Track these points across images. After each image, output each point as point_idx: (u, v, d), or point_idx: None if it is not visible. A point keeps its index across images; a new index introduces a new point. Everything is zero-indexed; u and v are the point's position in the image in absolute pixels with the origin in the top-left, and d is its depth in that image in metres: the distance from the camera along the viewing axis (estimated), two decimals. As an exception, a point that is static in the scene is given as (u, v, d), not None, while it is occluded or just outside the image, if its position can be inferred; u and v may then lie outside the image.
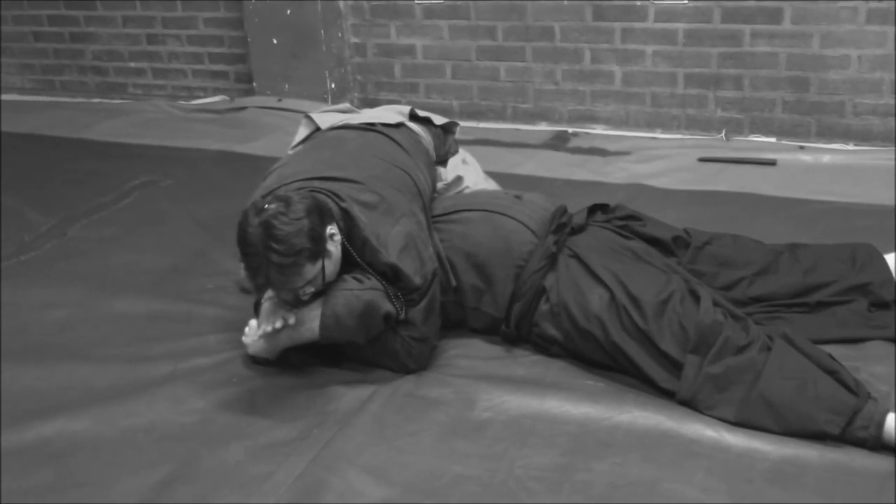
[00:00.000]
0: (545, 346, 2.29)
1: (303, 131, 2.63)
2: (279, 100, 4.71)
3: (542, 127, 4.35)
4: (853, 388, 1.90)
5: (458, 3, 4.31)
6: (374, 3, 4.50)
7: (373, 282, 2.16)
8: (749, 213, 3.13)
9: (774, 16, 3.77)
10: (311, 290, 2.11)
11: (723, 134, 4.00)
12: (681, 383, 2.01)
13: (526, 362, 2.27)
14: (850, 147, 3.76)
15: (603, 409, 2.03)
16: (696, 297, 2.11)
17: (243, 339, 2.30)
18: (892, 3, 3.55)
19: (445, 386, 2.17)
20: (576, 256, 2.27)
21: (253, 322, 2.29)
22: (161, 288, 2.81)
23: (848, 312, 2.30)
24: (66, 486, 1.90)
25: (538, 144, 4.11)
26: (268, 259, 1.99)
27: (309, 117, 2.62)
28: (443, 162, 2.71)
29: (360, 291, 2.14)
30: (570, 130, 4.25)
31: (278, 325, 2.15)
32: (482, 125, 4.43)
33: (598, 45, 4.14)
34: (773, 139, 3.92)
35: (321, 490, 1.82)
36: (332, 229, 2.10)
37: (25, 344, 2.49)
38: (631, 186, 3.45)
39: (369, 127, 2.49)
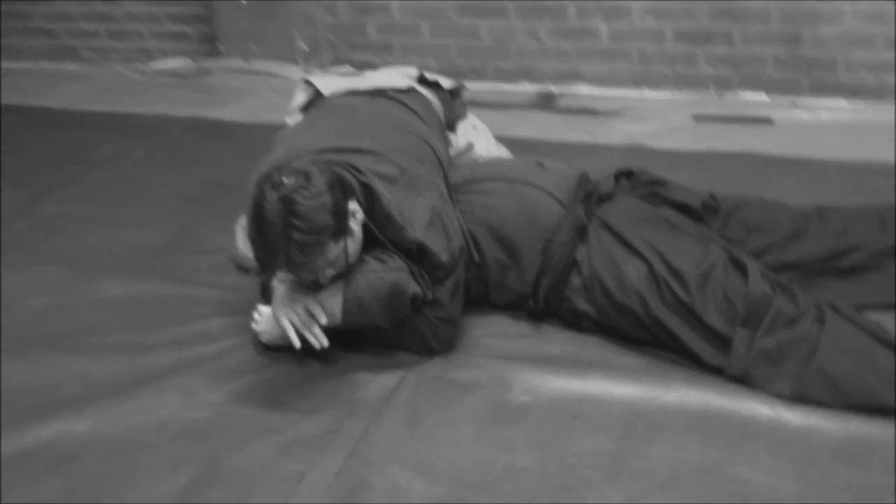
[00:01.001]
0: (575, 322, 2.18)
1: (301, 97, 2.43)
2: (247, 62, 4.46)
3: (525, 87, 4.20)
4: (912, 360, 1.83)
5: (437, -43, 4.11)
6: (347, -42, 4.27)
7: (397, 261, 2.01)
8: (757, 174, 3.02)
9: (767, -31, 3.66)
10: (332, 272, 1.95)
11: (712, 91, 3.90)
12: (731, 359, 1.92)
13: (558, 339, 2.15)
14: (844, 103, 3.70)
15: (649, 388, 1.92)
16: (739, 267, 2.01)
17: (254, 326, 2.13)
18: (888, -45, 3.48)
19: (476, 367, 2.05)
20: (607, 227, 2.15)
21: (264, 308, 2.12)
22: (149, 268, 2.61)
23: (882, 277, 2.23)
24: (78, 495, 1.73)
25: (524, 105, 3.96)
26: (288, 237, 1.81)
27: (308, 81, 2.43)
28: (451, 128, 2.55)
29: (385, 273, 1.99)
30: (556, 90, 4.11)
31: (302, 314, 1.98)
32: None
33: (583, 1, 3.97)
34: (763, 95, 3.84)
35: (365, 490, 1.68)
36: (353, 205, 1.94)
37: (8, 336, 2.27)
38: (631, 148, 3.33)
39: (379, 92, 2.31)
